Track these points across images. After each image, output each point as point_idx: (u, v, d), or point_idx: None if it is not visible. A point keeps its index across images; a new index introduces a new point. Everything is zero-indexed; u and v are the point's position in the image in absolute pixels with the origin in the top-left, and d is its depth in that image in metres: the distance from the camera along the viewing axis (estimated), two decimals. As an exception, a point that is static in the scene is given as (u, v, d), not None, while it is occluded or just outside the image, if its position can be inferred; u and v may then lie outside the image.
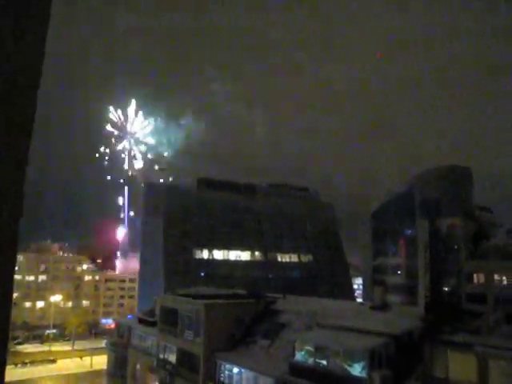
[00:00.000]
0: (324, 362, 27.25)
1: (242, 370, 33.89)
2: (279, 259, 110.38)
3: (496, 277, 55.63)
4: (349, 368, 26.00)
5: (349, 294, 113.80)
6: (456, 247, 61.29)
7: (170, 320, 41.02)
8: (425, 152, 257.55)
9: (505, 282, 55.14)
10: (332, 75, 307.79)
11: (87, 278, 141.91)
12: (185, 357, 38.59)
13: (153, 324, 46.88)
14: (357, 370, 25.60)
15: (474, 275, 57.52)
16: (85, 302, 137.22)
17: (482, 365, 22.84)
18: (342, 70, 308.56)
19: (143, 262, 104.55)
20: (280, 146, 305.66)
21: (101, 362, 76.08)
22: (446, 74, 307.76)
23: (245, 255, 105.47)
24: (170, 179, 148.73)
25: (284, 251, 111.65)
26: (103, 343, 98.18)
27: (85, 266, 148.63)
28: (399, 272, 79.18)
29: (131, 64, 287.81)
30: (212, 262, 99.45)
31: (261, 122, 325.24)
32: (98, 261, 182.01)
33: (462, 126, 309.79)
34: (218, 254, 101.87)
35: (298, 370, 28.58)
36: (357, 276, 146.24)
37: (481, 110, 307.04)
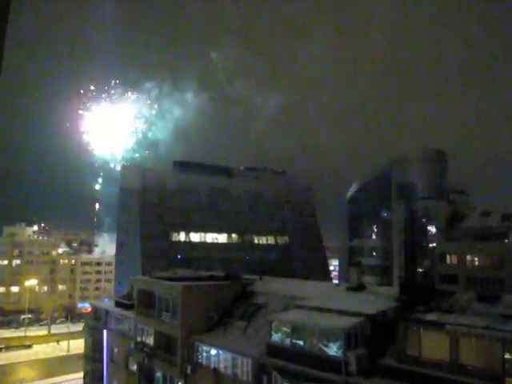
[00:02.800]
0: (301, 343, 27.58)
1: (220, 352, 34.14)
2: (256, 241, 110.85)
3: (468, 257, 56.97)
4: (325, 348, 26.38)
5: (325, 275, 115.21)
6: (431, 229, 62.42)
7: (147, 302, 40.92)
8: (406, 135, 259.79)
9: (477, 263, 56.51)
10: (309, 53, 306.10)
11: (63, 261, 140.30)
12: (162, 339, 38.65)
13: (130, 307, 46.72)
14: (333, 349, 26.00)
15: (448, 256, 58.80)
16: (61, 287, 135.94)
17: (453, 342, 23.44)
18: (320, 49, 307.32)
19: (119, 246, 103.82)
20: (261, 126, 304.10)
21: (78, 346, 75.77)
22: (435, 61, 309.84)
23: (222, 237, 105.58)
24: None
25: (261, 233, 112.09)
26: (80, 327, 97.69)
27: (60, 250, 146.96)
28: (375, 253, 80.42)
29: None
30: (189, 245, 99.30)
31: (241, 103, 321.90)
32: (74, 244, 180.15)
33: (444, 111, 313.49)
34: (195, 237, 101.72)
35: (274, 350, 28.89)
36: (334, 258, 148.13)
37: (463, 97, 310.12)
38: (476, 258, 56.54)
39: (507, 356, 22.12)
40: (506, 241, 55.62)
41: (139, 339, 41.89)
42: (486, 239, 56.54)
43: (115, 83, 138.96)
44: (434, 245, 61.26)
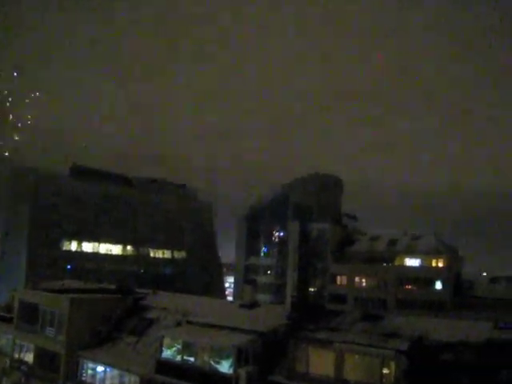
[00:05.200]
0: (192, 359, 27.27)
1: (107, 369, 32.68)
2: (152, 254, 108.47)
3: (357, 279, 60.20)
4: (216, 365, 26.31)
5: (220, 292, 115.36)
6: (323, 250, 65.20)
7: (29, 316, 38.03)
8: (308, 158, 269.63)
9: (364, 284, 59.88)
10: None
11: None
12: (44, 356, 36.04)
13: (9, 320, 43.15)
14: (224, 366, 26.01)
15: (338, 277, 61.68)
16: None
17: (338, 359, 24.54)
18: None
19: (2, 253, 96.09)
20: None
21: None
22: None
23: (116, 249, 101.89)
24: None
25: (157, 247, 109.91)
26: None
27: None
28: (270, 272, 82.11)
29: None
30: (81, 255, 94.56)
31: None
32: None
33: (338, 137, 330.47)
34: (88, 247, 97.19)
35: (164, 367, 28.23)
36: (230, 275, 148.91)
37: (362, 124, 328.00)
38: (363, 280, 59.99)
39: (384, 371, 23.66)
40: (390, 264, 59.67)
41: (17, 356, 38.76)
42: (373, 262, 60.27)
43: None
44: (326, 266, 64.00)
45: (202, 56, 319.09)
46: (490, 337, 26.85)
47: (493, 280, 57.92)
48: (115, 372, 32.05)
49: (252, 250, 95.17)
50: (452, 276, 57.05)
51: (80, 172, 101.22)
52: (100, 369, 33.11)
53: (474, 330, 29.67)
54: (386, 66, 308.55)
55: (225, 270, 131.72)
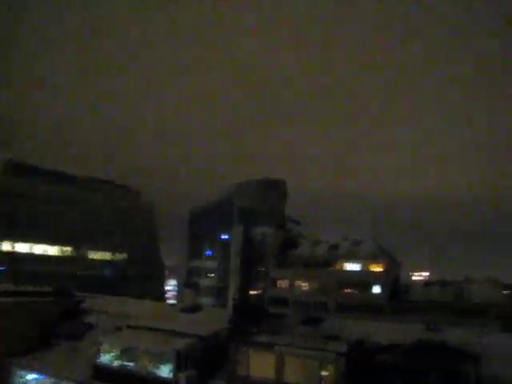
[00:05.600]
0: (131, 364, 26.66)
1: (41, 376, 31.31)
2: (91, 256, 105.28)
3: (298, 283, 61.04)
4: (156, 370, 25.85)
5: (162, 295, 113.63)
6: (266, 254, 65.63)
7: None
8: (257, 162, 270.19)
9: (305, 288, 60.81)
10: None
11: None
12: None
13: None
14: (164, 371, 25.60)
15: (281, 281, 62.29)
16: None
17: (279, 362, 24.75)
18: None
19: None
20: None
21: None
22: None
23: (53, 250, 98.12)
24: None
25: (97, 248, 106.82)
26: None
27: None
28: (213, 275, 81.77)
29: None
30: (15, 257, 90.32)
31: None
32: None
33: (285, 140, 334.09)
34: (23, 248, 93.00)
35: (103, 373, 27.44)
36: (172, 278, 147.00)
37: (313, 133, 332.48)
38: (305, 283, 60.96)
39: (324, 373, 24.12)
40: (331, 268, 60.92)
41: None
42: (315, 266, 61.34)
43: None
44: (269, 270, 64.45)
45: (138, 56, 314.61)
46: (423, 338, 27.97)
47: (427, 284, 60.46)
48: (49, 380, 30.78)
49: (195, 253, 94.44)
50: (390, 280, 59.00)
51: (16, 168, 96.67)
52: (32, 376, 31.69)
53: (409, 332, 30.84)
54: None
55: (167, 272, 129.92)
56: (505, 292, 62.24)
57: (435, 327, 33.44)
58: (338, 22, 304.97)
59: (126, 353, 27.04)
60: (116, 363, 27.20)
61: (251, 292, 65.00)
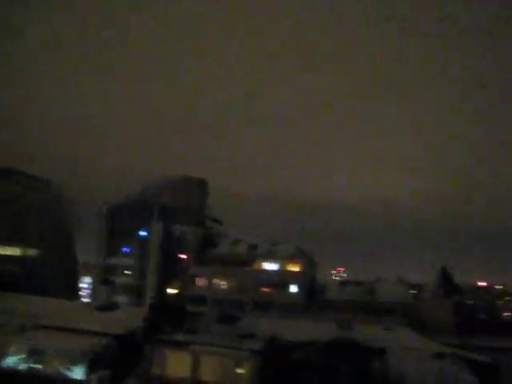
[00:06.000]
0: (40, 366, 25.39)
1: None
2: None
3: (217, 281, 61.14)
4: (67, 371, 24.84)
5: (75, 293, 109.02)
6: (186, 252, 65.08)
7: None
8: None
9: (224, 286, 61.01)
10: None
11: None
12: None
13: None
14: (76, 372, 24.65)
15: (199, 279, 62.01)
16: None
17: (195, 361, 24.72)
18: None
19: None
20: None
21: None
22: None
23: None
24: None
25: (5, 243, 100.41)
26: None
27: None
28: (130, 272, 79.79)
29: None
30: None
31: None
32: None
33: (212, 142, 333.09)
34: None
35: (7, 377, 25.85)
36: (87, 275, 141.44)
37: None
38: (224, 282, 61.07)
39: (239, 371, 24.41)
40: (250, 268, 61.51)
41: None
42: (234, 265, 61.60)
43: None
44: (187, 268, 63.89)
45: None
46: (336, 336, 29.11)
47: (342, 283, 62.77)
48: None
49: (112, 250, 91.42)
50: (307, 280, 60.56)
51: None
52: None
53: (323, 330, 31.94)
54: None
55: (82, 269, 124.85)
56: (412, 291, 66.24)
57: (348, 325, 35.01)
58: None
59: (33, 354, 25.70)
60: (22, 366, 25.77)
61: (169, 290, 64.11)
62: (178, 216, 74.45)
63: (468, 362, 28.14)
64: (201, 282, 61.97)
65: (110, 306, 34.49)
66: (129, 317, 31.68)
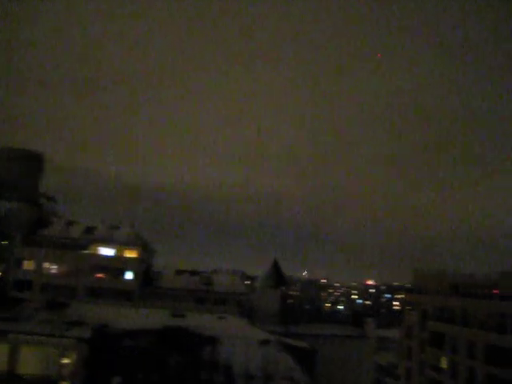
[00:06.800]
0: None
1: None
2: None
3: (46, 265, 57.30)
4: None
5: None
6: (12, 231, 59.61)
7: None
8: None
9: (55, 271, 57.48)
10: None
11: None
12: None
13: None
14: None
15: (26, 262, 57.47)
16: None
17: (13, 352, 22.89)
18: None
19: None
20: None
21: None
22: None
23: None
24: None
25: None
26: None
27: None
28: None
29: None
30: None
31: None
32: None
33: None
34: None
35: None
36: None
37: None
38: (54, 266, 57.29)
39: (65, 361, 23.24)
40: (85, 252, 58.59)
41: None
42: (67, 248, 58.10)
43: None
44: (14, 249, 58.63)
45: None
46: (168, 324, 29.37)
47: (178, 272, 63.19)
48: None
49: None
50: (143, 267, 59.69)
51: None
52: None
53: (156, 318, 31.99)
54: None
55: None
56: (246, 282, 69.74)
57: (180, 313, 35.59)
58: None
59: None
60: None
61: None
62: (5, 191, 67.60)
63: (289, 348, 30.59)
64: (28, 265, 57.38)
65: None
66: None
